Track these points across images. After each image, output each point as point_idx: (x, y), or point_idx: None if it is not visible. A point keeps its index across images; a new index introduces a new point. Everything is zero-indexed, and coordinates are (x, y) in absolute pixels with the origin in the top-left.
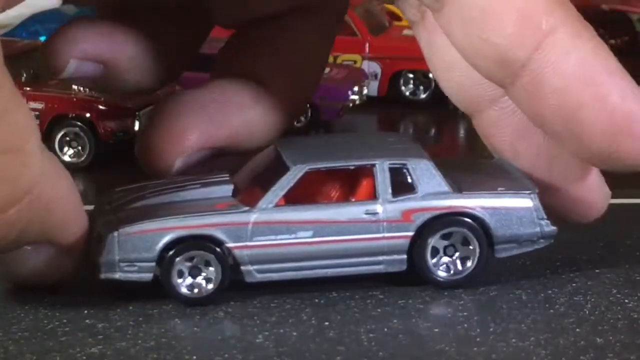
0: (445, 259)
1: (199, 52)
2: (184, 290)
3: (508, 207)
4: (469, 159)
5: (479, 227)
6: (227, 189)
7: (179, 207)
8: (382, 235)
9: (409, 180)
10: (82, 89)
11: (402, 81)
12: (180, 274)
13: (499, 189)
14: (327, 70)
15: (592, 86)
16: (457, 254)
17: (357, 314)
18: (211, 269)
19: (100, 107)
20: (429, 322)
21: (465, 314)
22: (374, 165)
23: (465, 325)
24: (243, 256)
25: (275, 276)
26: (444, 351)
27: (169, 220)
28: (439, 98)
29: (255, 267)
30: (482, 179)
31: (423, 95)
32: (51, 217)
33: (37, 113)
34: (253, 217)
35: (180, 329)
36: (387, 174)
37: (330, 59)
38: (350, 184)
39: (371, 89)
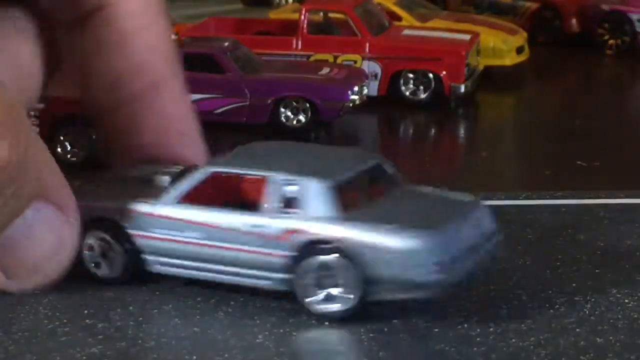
0: (319, 290)
1: (198, 52)
2: (92, 268)
3: (389, 246)
4: (433, 187)
5: (350, 262)
6: (166, 180)
7: (115, 189)
8: (263, 250)
9: (298, 198)
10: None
11: (402, 81)
12: (91, 249)
13: (393, 224)
14: (327, 70)
15: None
16: (331, 286)
17: (357, 314)
18: (115, 255)
19: None
20: (429, 322)
21: (465, 314)
22: (267, 177)
23: (465, 325)
24: (143, 245)
25: (171, 271)
26: (444, 351)
27: (85, 200)
28: (439, 98)
29: (154, 257)
30: (402, 211)
31: (423, 95)
32: (46, 170)
33: (37, 113)
34: (154, 209)
35: (180, 329)
36: (279, 189)
37: (331, 59)
38: (251, 192)
39: (371, 89)
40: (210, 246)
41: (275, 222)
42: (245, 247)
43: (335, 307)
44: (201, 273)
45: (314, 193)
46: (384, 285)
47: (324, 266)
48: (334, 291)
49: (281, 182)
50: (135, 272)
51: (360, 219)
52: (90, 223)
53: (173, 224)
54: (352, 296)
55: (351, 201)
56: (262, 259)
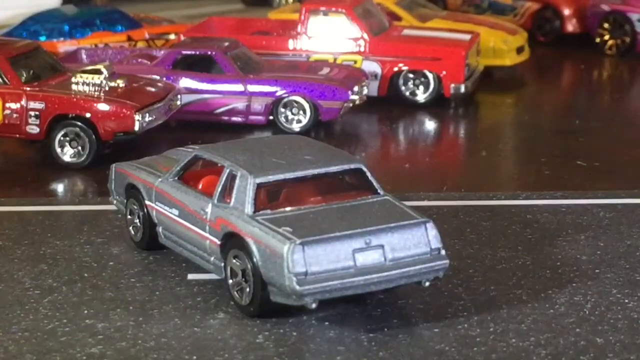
0: (239, 283)
1: (198, 52)
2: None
3: (270, 250)
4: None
5: (249, 261)
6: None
7: (152, 164)
8: (206, 235)
9: (233, 191)
10: (82, 88)
11: (402, 81)
12: (132, 213)
13: (283, 228)
14: (327, 70)
15: None
16: (244, 282)
17: (357, 314)
18: (138, 222)
19: (100, 107)
20: (429, 322)
21: (465, 314)
22: (223, 166)
23: (465, 325)
24: (153, 215)
25: (167, 242)
26: (444, 351)
27: (130, 169)
28: (439, 98)
29: (160, 228)
30: (316, 218)
31: (423, 95)
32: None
33: (37, 113)
34: (156, 182)
35: (180, 329)
36: (224, 179)
37: (331, 59)
38: (215, 180)
39: (371, 89)
40: (181, 224)
41: (214, 210)
42: (199, 230)
43: (246, 304)
44: (179, 248)
45: (241, 187)
46: (273, 288)
47: (233, 258)
48: (244, 284)
49: (227, 172)
50: (151, 241)
51: (270, 219)
52: (129, 190)
53: (165, 199)
54: (250, 292)
55: (276, 201)
56: (204, 243)
